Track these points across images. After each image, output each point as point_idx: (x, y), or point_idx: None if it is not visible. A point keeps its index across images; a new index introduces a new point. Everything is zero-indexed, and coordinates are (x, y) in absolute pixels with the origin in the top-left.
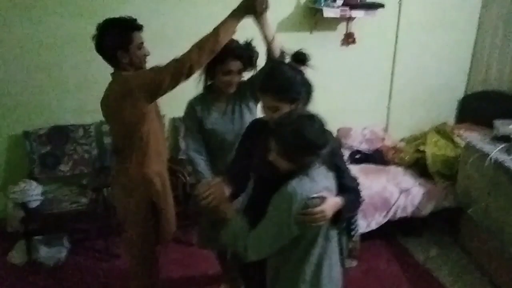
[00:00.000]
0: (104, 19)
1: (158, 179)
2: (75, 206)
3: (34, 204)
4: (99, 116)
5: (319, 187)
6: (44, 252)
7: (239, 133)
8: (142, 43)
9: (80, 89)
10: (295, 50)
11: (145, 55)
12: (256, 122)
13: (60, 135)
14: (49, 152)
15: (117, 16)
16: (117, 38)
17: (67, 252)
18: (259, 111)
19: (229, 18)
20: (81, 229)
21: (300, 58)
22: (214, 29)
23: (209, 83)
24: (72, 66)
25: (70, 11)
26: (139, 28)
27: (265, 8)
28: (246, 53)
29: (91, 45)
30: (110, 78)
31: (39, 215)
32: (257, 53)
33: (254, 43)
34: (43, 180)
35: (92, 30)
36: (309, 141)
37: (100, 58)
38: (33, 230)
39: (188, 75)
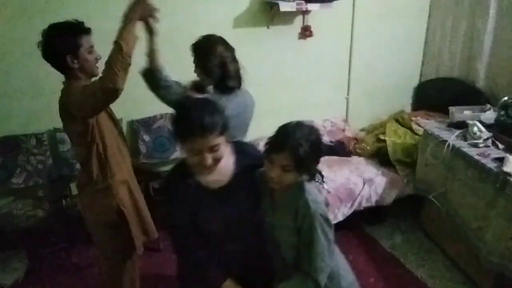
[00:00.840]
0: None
1: (123, 188)
2: (31, 221)
3: None
4: (51, 123)
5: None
6: (1, 271)
7: None
8: (92, 46)
9: (30, 96)
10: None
11: (97, 59)
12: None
13: (10, 146)
14: (0, 164)
15: (63, 17)
16: (65, 42)
17: (26, 269)
18: None
19: (123, 28)
20: (40, 243)
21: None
22: (115, 43)
23: None
24: (19, 72)
25: (12, 13)
26: (87, 31)
27: (150, 15)
28: None
29: (36, 50)
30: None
31: None
32: None
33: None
34: None
35: (36, 33)
36: (321, 149)
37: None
38: None
39: (115, 93)
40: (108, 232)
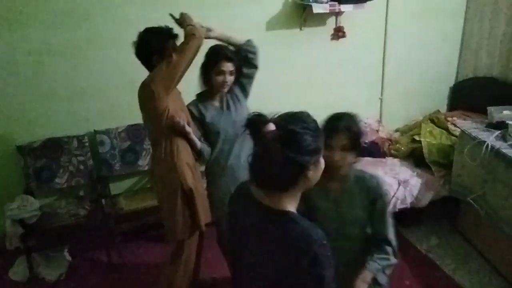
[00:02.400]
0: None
1: (188, 169)
2: (74, 219)
3: (32, 220)
4: (92, 126)
5: None
6: (45, 268)
7: (241, 123)
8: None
9: (71, 100)
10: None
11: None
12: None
13: (54, 147)
14: (44, 165)
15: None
16: (154, 44)
17: (69, 266)
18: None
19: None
20: (82, 241)
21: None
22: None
23: (204, 88)
24: (60, 76)
25: (53, 21)
26: (175, 37)
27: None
28: (236, 56)
29: (78, 54)
30: (101, 88)
31: (38, 230)
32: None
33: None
34: (39, 194)
35: (76, 39)
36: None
37: (87, 67)
38: (33, 246)
39: (200, 40)
40: (174, 205)
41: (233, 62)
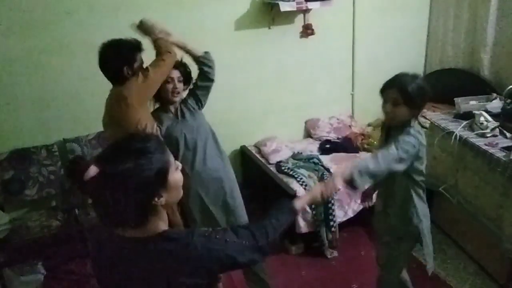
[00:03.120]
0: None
1: None
2: (46, 231)
3: (2, 235)
4: (61, 134)
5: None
6: (19, 283)
7: (199, 128)
8: (142, 64)
9: (37, 109)
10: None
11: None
12: None
13: (22, 158)
14: (12, 177)
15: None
16: (125, 55)
17: (44, 279)
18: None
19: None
20: (56, 253)
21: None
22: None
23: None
24: (25, 86)
25: (17, 28)
26: (141, 50)
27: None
28: (181, 64)
29: (43, 61)
30: (69, 95)
31: (8, 245)
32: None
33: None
34: (9, 207)
35: (41, 47)
36: (427, 92)
37: (53, 74)
38: (5, 262)
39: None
40: None
41: (179, 69)
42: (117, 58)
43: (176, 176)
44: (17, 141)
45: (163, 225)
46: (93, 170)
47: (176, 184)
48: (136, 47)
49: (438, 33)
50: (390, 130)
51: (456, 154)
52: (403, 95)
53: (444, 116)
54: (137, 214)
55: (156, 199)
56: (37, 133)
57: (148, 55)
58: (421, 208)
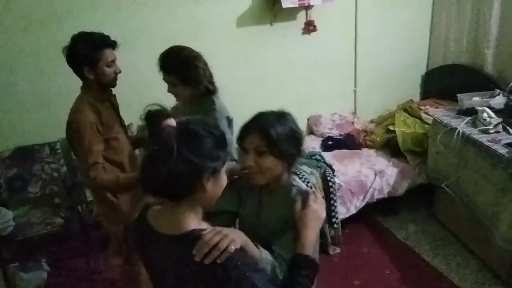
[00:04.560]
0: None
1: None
2: (49, 228)
3: (5, 231)
4: (63, 132)
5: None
6: (23, 279)
7: None
8: (113, 60)
9: (40, 107)
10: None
11: (116, 73)
12: None
13: (25, 156)
14: (16, 174)
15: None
16: (85, 54)
17: (47, 276)
18: None
19: None
20: (59, 250)
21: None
22: None
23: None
24: (26, 84)
25: (18, 27)
26: (112, 45)
27: None
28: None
29: (47, 59)
30: (71, 93)
31: (12, 242)
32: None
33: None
34: (12, 204)
35: (42, 45)
36: (299, 137)
37: (54, 72)
38: (9, 258)
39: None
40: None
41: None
42: (77, 56)
43: (224, 176)
44: (20, 139)
45: (193, 222)
46: (172, 121)
47: (222, 183)
48: (101, 43)
49: (441, 28)
50: (262, 195)
51: (458, 150)
52: (267, 141)
53: (447, 112)
54: (184, 182)
55: (206, 178)
56: (40, 131)
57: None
58: None
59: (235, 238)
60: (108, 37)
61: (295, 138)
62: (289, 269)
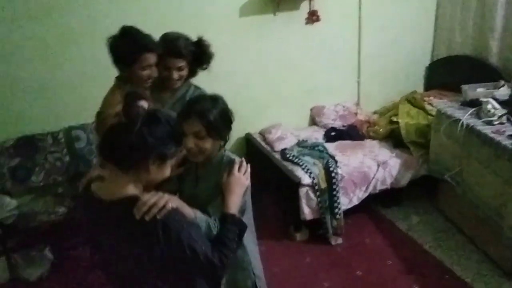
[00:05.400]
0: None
1: None
2: (53, 217)
3: (9, 220)
4: (67, 122)
5: None
6: (26, 268)
7: None
8: (150, 65)
9: (42, 96)
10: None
11: (149, 77)
12: None
13: (28, 145)
14: (19, 164)
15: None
16: (124, 52)
17: (51, 265)
18: None
19: None
20: (63, 239)
21: None
22: None
23: None
24: (29, 73)
25: (22, 15)
26: (153, 50)
27: None
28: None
29: (49, 49)
30: (74, 83)
31: (16, 230)
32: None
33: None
34: (16, 193)
35: (47, 34)
36: (231, 117)
37: (58, 61)
38: (12, 247)
39: None
40: None
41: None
42: (117, 51)
43: (169, 169)
44: (23, 128)
45: (133, 189)
46: (145, 103)
47: (164, 173)
48: (143, 46)
49: (445, 19)
50: (197, 169)
51: (462, 142)
52: (205, 125)
53: (451, 104)
54: (133, 156)
55: (152, 160)
56: (43, 121)
57: None
58: None
59: (172, 199)
60: (151, 41)
61: (228, 118)
62: (220, 226)
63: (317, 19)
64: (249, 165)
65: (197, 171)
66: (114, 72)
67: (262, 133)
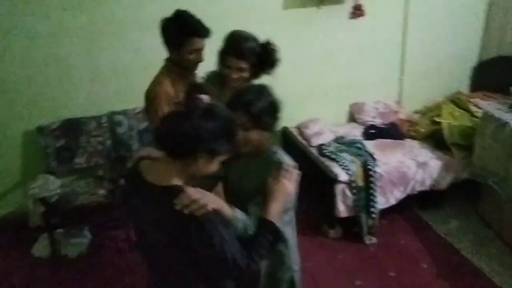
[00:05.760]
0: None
1: None
2: (93, 198)
3: (53, 199)
4: (109, 107)
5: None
6: (67, 245)
7: None
8: (197, 49)
9: (88, 81)
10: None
11: (196, 62)
12: None
13: (73, 128)
14: (64, 145)
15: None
16: (173, 35)
17: (89, 244)
18: None
19: None
20: (101, 220)
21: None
22: None
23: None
24: (80, 58)
25: (75, 3)
26: (201, 35)
27: None
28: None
29: (98, 36)
30: (118, 70)
31: (59, 209)
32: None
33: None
34: (60, 173)
35: (95, 21)
36: (277, 108)
37: (105, 48)
38: (55, 224)
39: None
40: None
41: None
42: (167, 34)
43: (216, 165)
44: (69, 112)
45: (178, 180)
46: (206, 97)
47: (212, 168)
48: (190, 30)
49: (498, 17)
50: (246, 160)
51: (509, 146)
52: (251, 118)
53: (499, 106)
54: (185, 146)
55: (201, 154)
56: (88, 105)
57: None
58: None
59: (213, 200)
60: (201, 26)
61: (275, 109)
62: (256, 231)
63: (362, 14)
64: (299, 172)
65: (245, 162)
66: (157, 62)
67: (299, 127)
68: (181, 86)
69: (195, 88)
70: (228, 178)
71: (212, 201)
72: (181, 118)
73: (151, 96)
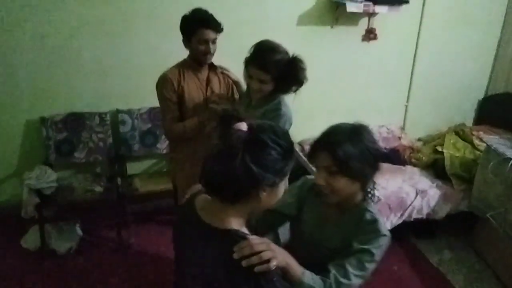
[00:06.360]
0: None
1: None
2: (88, 195)
3: (48, 191)
4: (115, 104)
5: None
6: (57, 239)
7: None
8: (206, 40)
9: (97, 76)
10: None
11: (206, 53)
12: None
13: (76, 122)
14: (65, 138)
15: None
16: (185, 26)
17: (79, 241)
18: None
19: None
20: (94, 217)
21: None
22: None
23: None
24: (89, 52)
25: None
26: (210, 26)
27: None
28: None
29: (107, 31)
30: (129, 68)
31: (53, 202)
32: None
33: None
34: (57, 166)
35: (106, 18)
36: (374, 155)
37: (115, 45)
38: (47, 217)
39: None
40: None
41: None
42: (181, 26)
43: (282, 188)
44: (74, 105)
45: (236, 223)
46: (243, 125)
47: (278, 195)
48: (198, 21)
49: (508, 52)
50: (328, 209)
51: (510, 182)
52: (337, 162)
53: (503, 141)
54: (240, 188)
55: (262, 189)
56: (93, 100)
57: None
58: None
59: (279, 256)
60: (211, 18)
61: (370, 156)
62: None
63: (374, 38)
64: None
65: (326, 211)
66: (168, 64)
67: (301, 144)
68: (192, 78)
69: (227, 121)
70: (300, 224)
71: (279, 257)
72: (224, 159)
73: (158, 81)
